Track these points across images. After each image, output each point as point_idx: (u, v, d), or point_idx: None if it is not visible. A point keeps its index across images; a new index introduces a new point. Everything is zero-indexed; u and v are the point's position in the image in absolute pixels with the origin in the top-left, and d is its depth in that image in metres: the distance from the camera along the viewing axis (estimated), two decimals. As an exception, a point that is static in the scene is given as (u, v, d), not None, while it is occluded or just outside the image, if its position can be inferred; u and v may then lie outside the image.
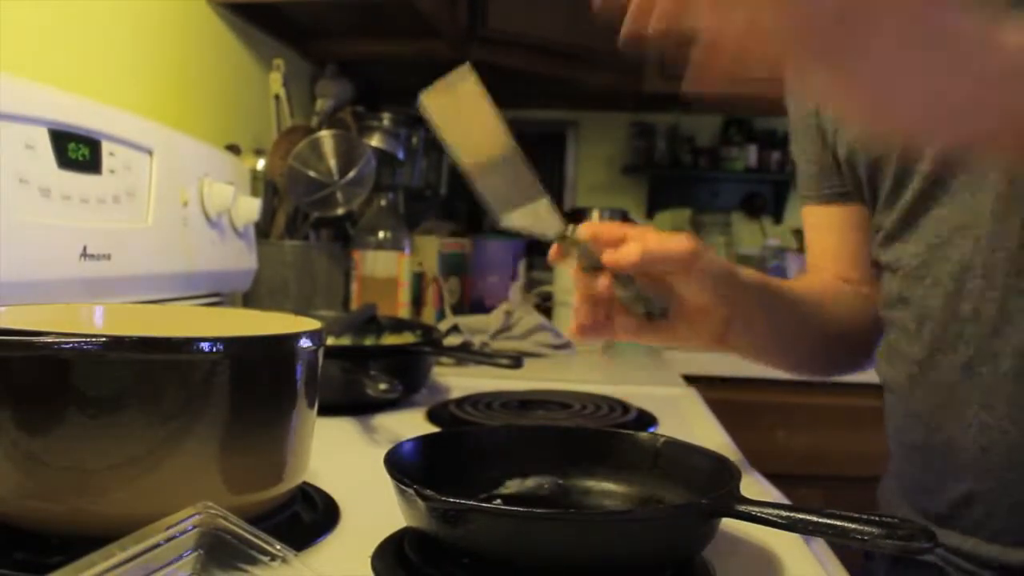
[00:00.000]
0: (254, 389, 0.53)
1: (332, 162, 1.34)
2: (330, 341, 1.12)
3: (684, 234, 0.67)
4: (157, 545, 0.37)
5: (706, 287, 0.68)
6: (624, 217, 2.24)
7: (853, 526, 0.45)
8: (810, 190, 0.90)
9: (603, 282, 0.66)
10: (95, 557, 0.35)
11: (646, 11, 0.52)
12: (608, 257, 0.65)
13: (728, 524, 0.51)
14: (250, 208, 1.17)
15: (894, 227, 0.75)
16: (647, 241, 0.64)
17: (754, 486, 0.78)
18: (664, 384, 1.33)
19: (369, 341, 1.20)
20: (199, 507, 0.39)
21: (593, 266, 0.66)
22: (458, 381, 1.21)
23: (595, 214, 2.20)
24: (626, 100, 2.36)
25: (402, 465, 0.55)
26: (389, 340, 1.20)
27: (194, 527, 0.38)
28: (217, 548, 0.38)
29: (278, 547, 0.39)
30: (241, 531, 0.39)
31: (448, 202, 2.29)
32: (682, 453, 0.60)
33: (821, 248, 0.91)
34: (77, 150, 0.84)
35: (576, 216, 2.22)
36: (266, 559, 0.38)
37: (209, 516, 0.39)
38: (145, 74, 1.24)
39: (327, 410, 0.77)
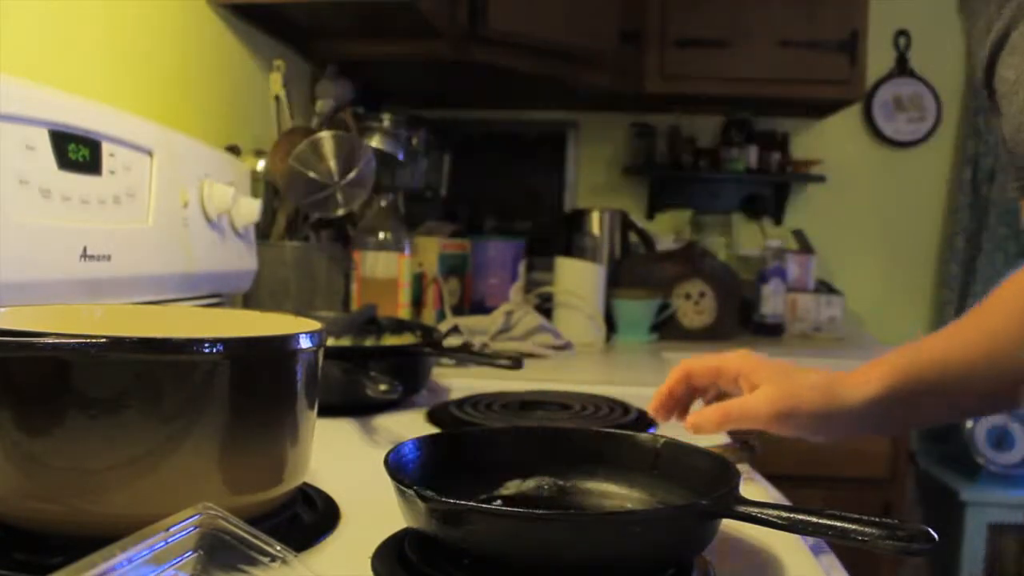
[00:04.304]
0: (254, 390, 0.53)
1: (332, 163, 1.34)
2: (330, 342, 1.12)
3: (767, 395, 0.69)
4: (158, 546, 0.37)
5: (800, 434, 0.71)
6: (624, 218, 2.24)
7: (853, 527, 0.45)
8: None
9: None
10: (95, 557, 0.35)
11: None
12: (689, 421, 0.73)
13: (728, 524, 0.51)
14: (250, 209, 1.17)
15: None
16: (727, 411, 0.70)
17: (754, 487, 0.78)
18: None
19: (369, 342, 1.20)
20: (199, 508, 0.39)
21: None
22: (458, 382, 1.21)
23: (595, 215, 2.20)
24: (626, 101, 2.36)
25: (402, 466, 0.55)
26: (389, 341, 1.20)
27: (194, 528, 0.38)
28: (217, 549, 0.38)
29: (278, 548, 0.39)
30: (241, 532, 0.39)
31: (448, 203, 2.29)
32: (682, 454, 0.60)
33: None
34: (77, 151, 0.83)
35: (576, 217, 2.22)
36: (266, 560, 0.39)
37: (209, 517, 0.39)
38: (145, 74, 1.24)
39: (327, 411, 0.77)
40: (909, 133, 2.53)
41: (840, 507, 0.47)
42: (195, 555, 0.38)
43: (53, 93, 0.83)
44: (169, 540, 0.37)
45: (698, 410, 0.74)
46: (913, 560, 2.26)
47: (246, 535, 0.39)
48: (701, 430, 0.71)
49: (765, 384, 0.70)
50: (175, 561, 0.37)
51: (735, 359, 0.73)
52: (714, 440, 0.94)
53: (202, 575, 0.38)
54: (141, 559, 0.36)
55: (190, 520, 0.39)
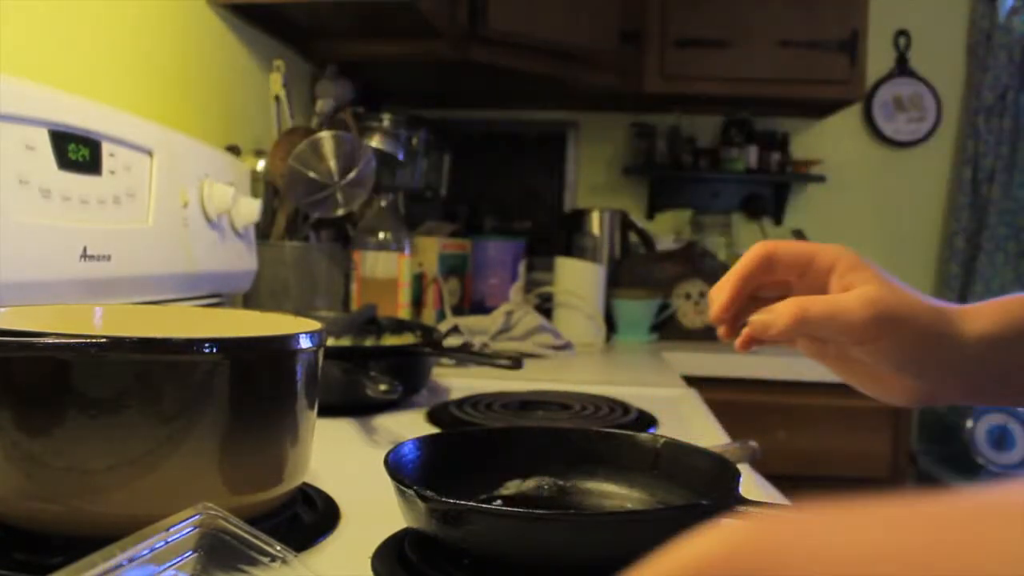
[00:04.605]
0: (254, 390, 0.53)
1: (332, 163, 1.34)
2: (330, 342, 1.12)
3: (865, 295, 0.53)
4: (158, 546, 0.37)
5: (890, 360, 0.55)
6: (624, 218, 2.24)
7: (853, 527, 0.45)
8: None
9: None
10: (95, 557, 0.35)
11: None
12: (756, 320, 0.55)
13: (728, 525, 0.51)
14: (250, 209, 1.17)
15: None
16: (809, 305, 0.54)
17: (754, 487, 0.78)
18: (664, 384, 1.33)
19: (369, 342, 1.20)
20: (199, 508, 0.39)
21: None
22: (458, 382, 1.21)
23: (595, 215, 2.20)
24: (626, 101, 2.36)
25: (402, 466, 0.55)
26: (389, 341, 1.20)
27: (194, 528, 0.38)
28: (217, 549, 0.38)
29: (278, 548, 0.39)
30: (241, 532, 0.39)
31: (448, 203, 2.29)
32: (682, 454, 0.60)
33: None
34: (77, 151, 0.84)
35: (576, 217, 2.22)
36: (266, 560, 0.39)
37: (209, 517, 0.39)
38: (145, 74, 1.24)
39: (327, 411, 0.77)
40: (909, 133, 2.53)
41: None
42: (195, 555, 0.38)
43: (53, 93, 0.83)
44: (169, 540, 0.37)
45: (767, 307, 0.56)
46: (913, 560, 2.26)
47: (246, 535, 0.39)
48: (769, 329, 0.54)
49: (864, 285, 0.54)
50: (175, 561, 0.37)
51: (832, 249, 0.57)
52: (714, 440, 0.94)
53: (202, 575, 0.38)
54: (141, 559, 0.36)
55: (190, 520, 0.39)
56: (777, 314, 0.54)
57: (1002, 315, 0.56)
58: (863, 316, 0.52)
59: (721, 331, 0.57)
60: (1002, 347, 0.56)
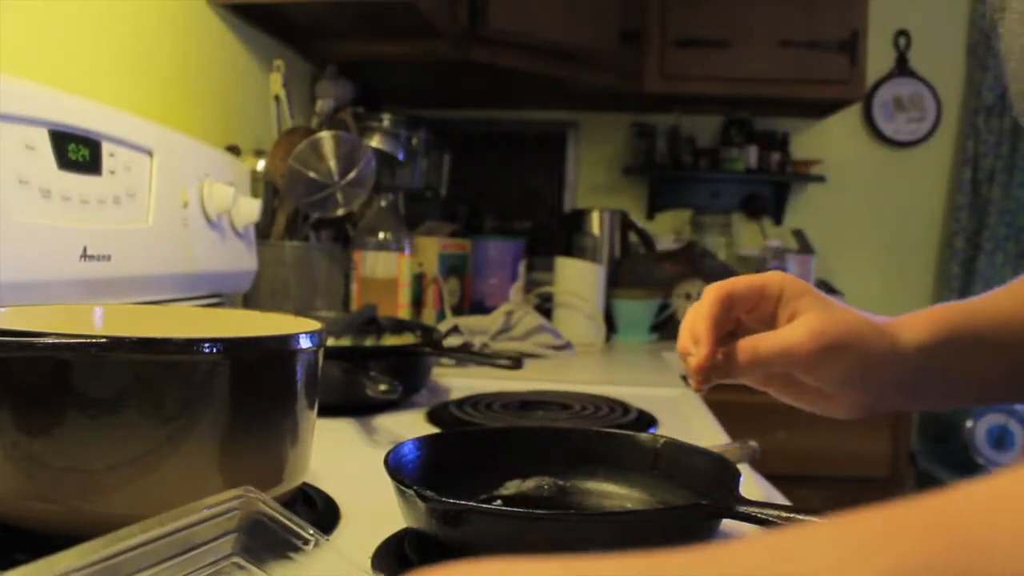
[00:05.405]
0: (254, 390, 0.53)
1: (332, 163, 1.34)
2: (330, 342, 1.12)
3: (809, 326, 0.55)
4: (198, 524, 0.38)
5: (836, 384, 0.58)
6: (624, 218, 2.24)
7: (853, 527, 0.45)
8: None
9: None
10: (133, 529, 0.35)
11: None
12: (716, 366, 0.57)
13: (728, 524, 0.51)
14: (250, 209, 1.17)
15: None
16: (759, 345, 0.56)
17: (754, 486, 0.78)
18: (664, 384, 1.33)
19: (369, 342, 1.20)
20: (240, 491, 0.40)
21: None
22: (458, 382, 1.21)
23: (595, 215, 2.20)
24: (626, 101, 2.36)
25: (402, 466, 0.55)
26: (389, 341, 1.20)
27: (234, 510, 0.39)
28: (256, 531, 0.39)
29: (311, 531, 0.40)
30: (279, 516, 0.40)
31: (448, 203, 2.29)
32: (682, 454, 0.60)
33: None
34: (77, 151, 0.83)
35: (576, 217, 2.23)
36: (300, 543, 0.39)
37: (249, 500, 0.40)
38: (145, 74, 1.24)
39: (327, 411, 0.77)
40: (909, 133, 2.53)
41: (840, 507, 0.47)
42: (234, 535, 0.39)
43: (53, 93, 0.83)
44: (209, 520, 0.38)
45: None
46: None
47: (283, 519, 0.40)
48: (729, 374, 0.57)
49: (807, 313, 0.56)
50: (214, 539, 0.38)
51: (777, 276, 0.59)
52: (714, 440, 0.94)
53: (241, 554, 0.39)
54: (180, 535, 0.37)
55: (230, 502, 0.39)
56: (732, 358, 0.56)
57: (930, 324, 0.59)
58: (811, 348, 0.55)
59: (697, 381, 0.57)
60: (936, 356, 0.59)
